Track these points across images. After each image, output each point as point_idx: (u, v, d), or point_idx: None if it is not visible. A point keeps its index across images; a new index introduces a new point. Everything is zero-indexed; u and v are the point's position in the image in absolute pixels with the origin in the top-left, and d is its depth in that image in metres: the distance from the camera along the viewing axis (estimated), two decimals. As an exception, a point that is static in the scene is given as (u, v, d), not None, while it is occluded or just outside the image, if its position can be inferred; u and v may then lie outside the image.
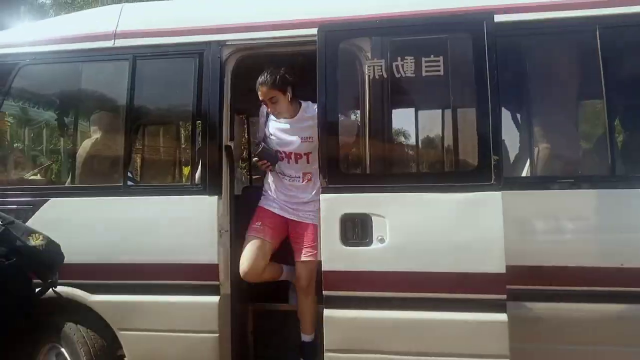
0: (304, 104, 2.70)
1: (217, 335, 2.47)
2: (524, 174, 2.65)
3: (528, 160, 2.64)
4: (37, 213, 2.67)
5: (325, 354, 2.28)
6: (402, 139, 2.62)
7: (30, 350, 2.79)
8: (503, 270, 2.10)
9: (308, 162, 2.67)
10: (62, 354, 2.70)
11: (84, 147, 3.07)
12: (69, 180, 3.02)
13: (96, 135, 3.13)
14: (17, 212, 2.71)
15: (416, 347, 2.18)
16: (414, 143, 3.16)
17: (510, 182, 2.29)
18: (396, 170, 2.60)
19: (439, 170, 2.73)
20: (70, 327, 2.65)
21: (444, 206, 2.21)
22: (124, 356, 2.64)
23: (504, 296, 2.11)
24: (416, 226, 2.23)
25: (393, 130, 2.63)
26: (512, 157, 2.80)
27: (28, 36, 2.95)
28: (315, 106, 2.46)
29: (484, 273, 2.12)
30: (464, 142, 2.41)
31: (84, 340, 2.62)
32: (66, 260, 2.59)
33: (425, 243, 2.20)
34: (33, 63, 2.85)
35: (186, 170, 4.00)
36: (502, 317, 2.10)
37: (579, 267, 2.22)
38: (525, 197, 2.32)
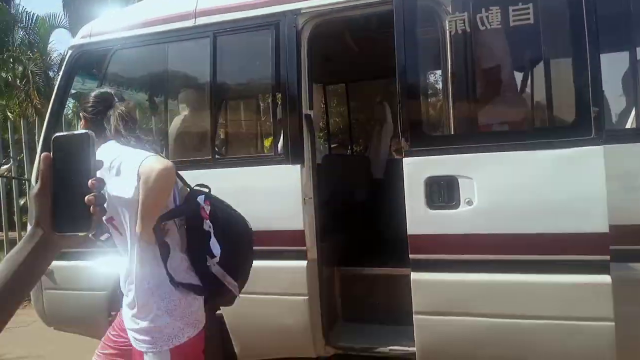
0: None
1: (306, 297, 2.55)
2: (629, 125, 2.41)
3: (633, 110, 2.39)
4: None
5: (415, 317, 2.28)
6: (489, 95, 2.47)
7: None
8: (606, 230, 1.96)
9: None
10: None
11: (174, 124, 3.25)
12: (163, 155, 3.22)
13: (184, 112, 3.29)
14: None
15: (509, 310, 2.12)
16: (504, 99, 2.97)
17: (612, 134, 2.10)
18: (484, 128, 2.47)
19: (533, 126, 2.56)
20: (173, 291, 2.87)
21: (538, 164, 2.09)
22: (222, 316, 2.82)
23: (608, 257, 1.97)
24: (508, 186, 2.13)
25: (478, 87, 2.50)
26: (614, 108, 2.56)
27: (118, 22, 3.13)
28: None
29: (585, 233, 1.99)
30: (559, 95, 2.23)
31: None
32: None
33: (518, 204, 2.10)
34: (124, 47, 3.03)
35: (267, 142, 4.12)
36: (606, 279, 1.97)
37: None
38: (631, 151, 2.12)
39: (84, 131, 0.77)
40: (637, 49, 2.43)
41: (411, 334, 2.35)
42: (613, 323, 1.96)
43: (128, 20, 3.08)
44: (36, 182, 0.76)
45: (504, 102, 2.51)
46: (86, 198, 0.73)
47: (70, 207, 0.75)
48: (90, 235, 0.77)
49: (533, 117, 2.55)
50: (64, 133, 0.78)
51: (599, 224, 1.96)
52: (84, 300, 2.99)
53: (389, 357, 2.59)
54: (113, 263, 2.90)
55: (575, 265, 2.02)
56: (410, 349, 2.48)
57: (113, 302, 3.02)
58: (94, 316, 2.99)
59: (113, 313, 3.19)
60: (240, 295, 2.68)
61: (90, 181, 0.74)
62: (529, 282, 2.09)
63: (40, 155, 0.75)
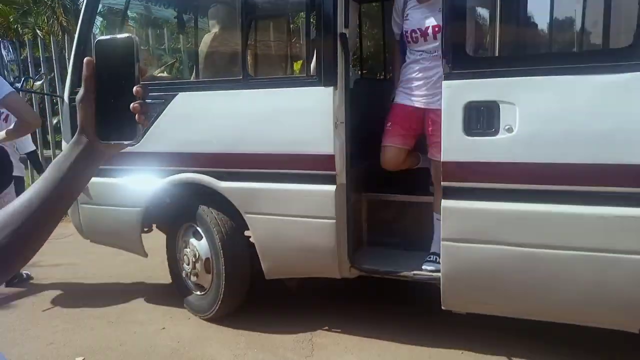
0: None
1: (334, 221, 2.57)
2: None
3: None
4: (168, 106, 2.88)
5: (442, 243, 2.28)
6: (537, 16, 2.29)
7: (172, 227, 3.20)
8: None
9: None
10: (198, 232, 3.04)
11: (205, 42, 3.16)
12: (193, 75, 3.17)
13: (215, 29, 3.18)
14: (151, 106, 2.94)
15: (546, 239, 2.08)
16: (550, 20, 2.76)
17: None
18: (530, 51, 2.32)
19: (582, 49, 2.38)
20: (203, 210, 2.95)
21: (587, 90, 1.96)
22: (251, 237, 2.90)
23: None
24: (552, 113, 2.02)
25: (526, 6, 2.32)
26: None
27: None
28: None
29: (634, 165, 1.89)
30: (612, 16, 2.04)
31: (215, 221, 2.91)
32: (196, 150, 2.83)
33: (562, 132, 2.00)
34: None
35: (297, 66, 4.00)
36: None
37: None
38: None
39: (127, 35, 0.72)
40: None
41: (438, 260, 2.37)
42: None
43: None
44: (80, 88, 0.73)
45: (552, 23, 2.32)
46: (131, 105, 0.70)
47: (116, 114, 0.71)
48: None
49: (586, 39, 2.36)
50: (107, 37, 0.72)
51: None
52: (118, 215, 3.10)
53: (412, 281, 2.63)
54: (146, 180, 2.98)
55: (617, 197, 1.94)
56: (435, 274, 2.51)
57: (146, 217, 3.14)
58: (128, 231, 3.11)
59: (146, 229, 3.33)
60: (271, 216, 2.75)
61: (135, 88, 0.70)
62: (565, 213, 2.03)
63: (84, 60, 0.71)
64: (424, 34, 2.64)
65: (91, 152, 0.72)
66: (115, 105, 0.71)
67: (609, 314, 2.11)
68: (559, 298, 2.15)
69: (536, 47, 2.35)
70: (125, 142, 0.73)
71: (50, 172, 0.71)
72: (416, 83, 2.73)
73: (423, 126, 2.77)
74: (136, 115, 0.70)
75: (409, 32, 2.71)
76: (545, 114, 2.03)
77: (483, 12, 2.27)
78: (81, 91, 0.72)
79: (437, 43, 2.55)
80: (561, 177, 2.01)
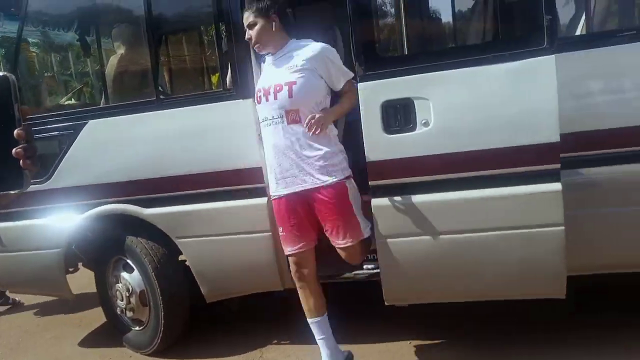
0: (292, 40, 2.26)
1: (270, 233, 2.53)
2: (578, 32, 2.40)
3: (583, 16, 2.38)
4: (78, 137, 2.71)
5: (377, 241, 2.31)
6: (441, 11, 2.41)
7: (99, 264, 3.02)
8: (557, 139, 1.99)
9: (290, 95, 2.14)
10: (128, 264, 2.88)
11: (111, 64, 3.01)
12: (102, 100, 3.01)
13: (120, 50, 3.04)
14: (60, 137, 2.76)
15: (470, 224, 2.17)
16: (454, 14, 2.90)
17: (563, 43, 2.09)
18: (437, 46, 2.41)
19: (484, 40, 2.51)
20: (131, 240, 2.80)
21: (492, 79, 2.06)
22: (186, 261, 2.79)
23: (558, 165, 2.02)
24: (463, 104, 2.11)
25: (429, 4, 2.41)
26: (563, 15, 2.53)
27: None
28: (305, 41, 2.20)
29: (538, 144, 2.02)
30: (510, 5, 2.17)
31: (146, 251, 2.78)
32: (115, 179, 2.69)
33: (473, 121, 2.09)
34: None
35: (215, 78, 3.91)
36: (557, 186, 2.03)
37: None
38: (581, 58, 2.13)
39: (1, 74, 0.66)
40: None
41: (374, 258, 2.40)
42: (563, 227, 2.04)
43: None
44: None
45: (456, 17, 2.44)
46: (14, 151, 0.63)
47: None
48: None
49: (487, 29, 2.49)
50: None
51: (550, 134, 1.99)
52: (36, 260, 2.88)
53: (355, 282, 2.65)
54: (63, 218, 2.78)
55: (531, 176, 2.06)
56: (374, 271, 2.54)
57: (68, 258, 2.93)
58: (50, 275, 2.90)
59: (71, 269, 3.11)
60: (204, 237, 2.66)
61: (16, 131, 0.64)
62: (489, 197, 2.13)
63: None
64: (267, 92, 2.21)
65: None
66: None
67: (535, 284, 2.24)
68: (490, 277, 2.25)
69: (442, 43, 2.45)
70: (12, 192, 0.66)
71: None
72: (270, 162, 2.27)
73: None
74: (21, 161, 0.64)
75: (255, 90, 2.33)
76: (457, 105, 2.12)
77: (390, 12, 2.33)
78: None
79: (277, 105, 2.17)
80: (477, 163, 2.10)
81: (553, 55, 1.96)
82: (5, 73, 0.66)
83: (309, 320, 2.37)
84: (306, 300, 2.37)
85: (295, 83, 2.14)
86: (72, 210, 2.76)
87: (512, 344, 2.51)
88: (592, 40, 2.25)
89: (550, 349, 2.43)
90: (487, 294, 2.36)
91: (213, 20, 2.62)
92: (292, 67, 2.17)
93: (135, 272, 2.85)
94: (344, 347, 2.46)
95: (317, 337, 2.38)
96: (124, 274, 2.90)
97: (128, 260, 2.87)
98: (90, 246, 2.96)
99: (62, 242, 2.83)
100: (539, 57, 1.98)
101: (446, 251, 2.22)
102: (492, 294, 2.36)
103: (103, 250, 2.97)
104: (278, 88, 2.17)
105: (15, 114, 0.65)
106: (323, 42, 2.23)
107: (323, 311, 2.37)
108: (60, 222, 2.79)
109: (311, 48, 2.18)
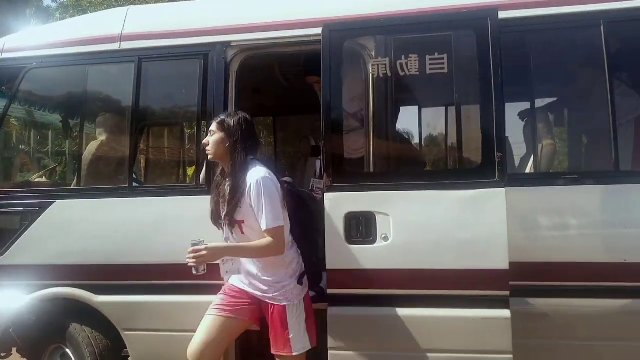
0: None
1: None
2: (527, 170, 2.65)
3: (532, 157, 2.64)
4: (42, 215, 2.69)
5: (330, 352, 2.28)
6: (406, 137, 2.63)
7: (36, 350, 2.82)
8: (506, 267, 2.10)
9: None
10: (66, 354, 2.71)
11: (90, 149, 3.08)
12: (75, 182, 3.04)
13: (102, 137, 3.14)
14: (23, 214, 2.74)
15: (420, 344, 2.18)
16: (418, 141, 3.18)
17: (514, 178, 2.29)
18: (400, 168, 2.60)
19: (444, 168, 2.73)
20: (75, 328, 2.67)
21: (448, 204, 2.21)
22: (128, 356, 2.65)
23: (507, 292, 2.11)
24: (420, 224, 2.23)
25: (397, 128, 2.64)
26: (515, 154, 2.80)
27: (34, 40, 2.97)
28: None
29: (488, 269, 2.12)
30: (468, 140, 2.41)
31: (89, 341, 2.64)
32: (71, 262, 2.63)
33: (429, 241, 2.20)
34: (40, 66, 2.88)
35: (190, 171, 4.01)
36: (506, 313, 2.10)
37: (582, 262, 2.22)
38: (529, 194, 2.32)
39: None
40: (536, 100, 2.70)
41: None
42: (511, 356, 2.07)
43: (46, 39, 2.94)
44: None
45: (420, 143, 2.66)
46: None
47: None
48: None
49: (447, 158, 2.72)
50: None
51: (499, 261, 2.10)
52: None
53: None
54: (6, 297, 2.65)
55: (480, 300, 2.13)
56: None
57: (2, 341, 2.74)
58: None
59: (3, 354, 2.89)
60: (154, 332, 2.53)
61: None
62: (439, 317, 2.17)
63: None
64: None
65: None
66: None
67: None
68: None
69: (405, 165, 2.64)
70: None
71: None
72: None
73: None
74: None
75: None
76: (415, 224, 2.24)
77: (359, 130, 2.53)
78: None
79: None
80: (431, 281, 2.18)
81: (504, 189, 2.14)
82: None
83: None
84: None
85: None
86: (21, 290, 2.65)
87: None
88: (541, 178, 2.48)
89: None
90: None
91: (196, 118, 2.78)
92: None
93: (73, 364, 2.67)
94: None
95: None
96: (60, 365, 2.72)
97: (67, 350, 2.70)
98: (29, 330, 2.79)
99: (0, 323, 2.66)
100: (490, 189, 2.15)
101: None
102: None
103: (43, 336, 2.79)
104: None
105: None
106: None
107: None
108: (5, 300, 2.66)
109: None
